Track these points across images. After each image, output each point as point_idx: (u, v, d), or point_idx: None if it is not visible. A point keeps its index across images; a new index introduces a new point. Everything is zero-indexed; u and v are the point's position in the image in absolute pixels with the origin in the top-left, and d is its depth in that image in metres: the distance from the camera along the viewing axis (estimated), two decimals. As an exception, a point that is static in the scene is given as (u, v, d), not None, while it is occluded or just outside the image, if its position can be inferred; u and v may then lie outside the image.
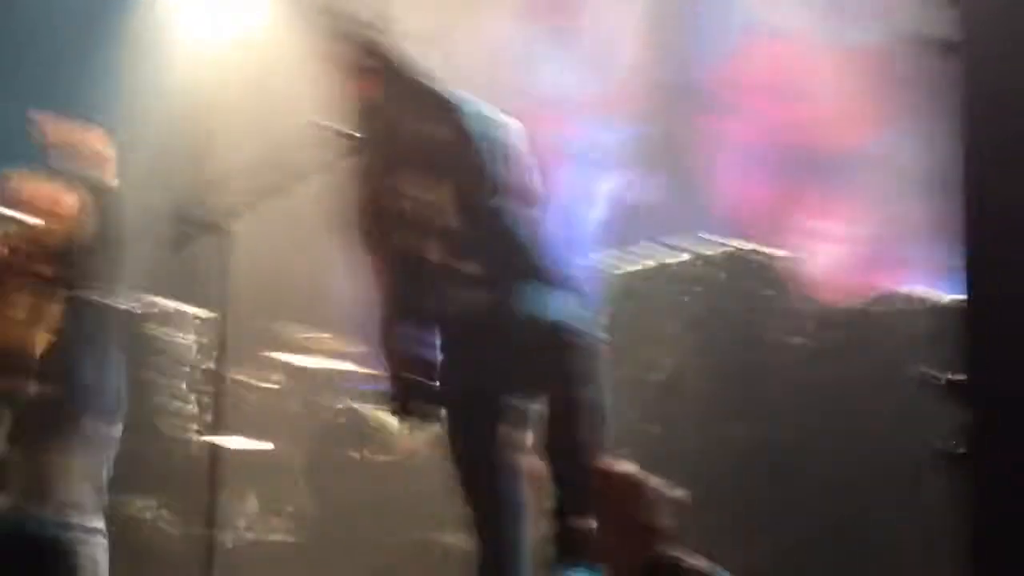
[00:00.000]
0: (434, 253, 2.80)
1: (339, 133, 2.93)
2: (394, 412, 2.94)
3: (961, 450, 1.51)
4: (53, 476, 3.77)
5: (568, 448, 2.67)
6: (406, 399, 2.88)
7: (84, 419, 3.83)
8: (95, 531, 3.85)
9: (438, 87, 2.88)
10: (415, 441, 5.18)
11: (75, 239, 3.82)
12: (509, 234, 2.83)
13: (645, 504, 2.26)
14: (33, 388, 3.73)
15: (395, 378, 2.89)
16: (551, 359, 2.63)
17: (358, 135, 2.90)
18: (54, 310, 3.86)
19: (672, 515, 2.28)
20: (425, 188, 2.83)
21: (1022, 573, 1.37)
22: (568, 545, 2.63)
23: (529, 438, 3.19)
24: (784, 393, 4.14)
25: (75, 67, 6.68)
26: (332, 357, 6.15)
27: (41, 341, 3.81)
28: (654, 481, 2.31)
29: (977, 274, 1.52)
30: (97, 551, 3.84)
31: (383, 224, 2.93)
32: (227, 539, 5.42)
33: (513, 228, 2.84)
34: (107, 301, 3.95)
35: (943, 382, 1.51)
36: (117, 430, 3.96)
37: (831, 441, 3.97)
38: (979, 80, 1.60)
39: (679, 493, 2.34)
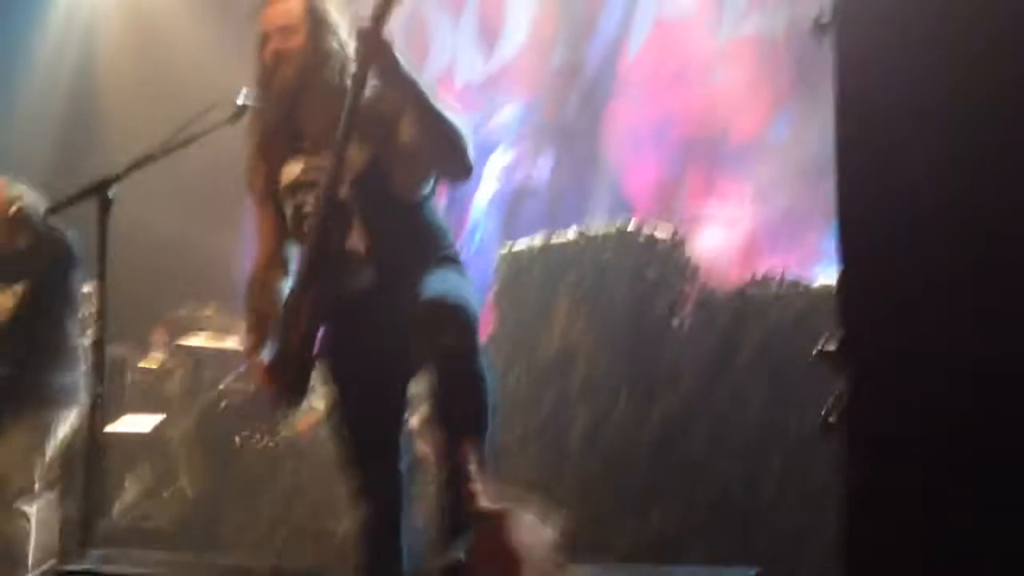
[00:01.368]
0: (323, 227, 2.77)
1: (244, 107, 2.88)
2: (266, 392, 2.90)
3: (833, 418, 1.58)
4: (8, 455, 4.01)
5: (456, 422, 2.68)
6: (278, 374, 2.84)
7: None
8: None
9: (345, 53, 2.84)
10: (300, 423, 5.14)
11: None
12: (398, 211, 2.81)
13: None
14: None
15: (273, 355, 2.85)
16: (435, 335, 2.63)
17: (259, 100, 2.85)
18: None
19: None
20: (322, 157, 2.80)
21: (894, 534, 1.44)
22: (458, 516, 2.65)
23: (418, 415, 3.20)
24: (668, 370, 4.23)
25: None
26: (217, 334, 6.05)
27: None
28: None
29: (849, 253, 1.58)
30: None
31: (275, 189, 2.89)
32: (105, 522, 5.31)
33: (402, 205, 2.83)
34: None
35: (816, 353, 1.57)
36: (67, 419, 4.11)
37: (713, 417, 4.08)
38: (850, 64, 1.65)
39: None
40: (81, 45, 7.41)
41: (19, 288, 4.04)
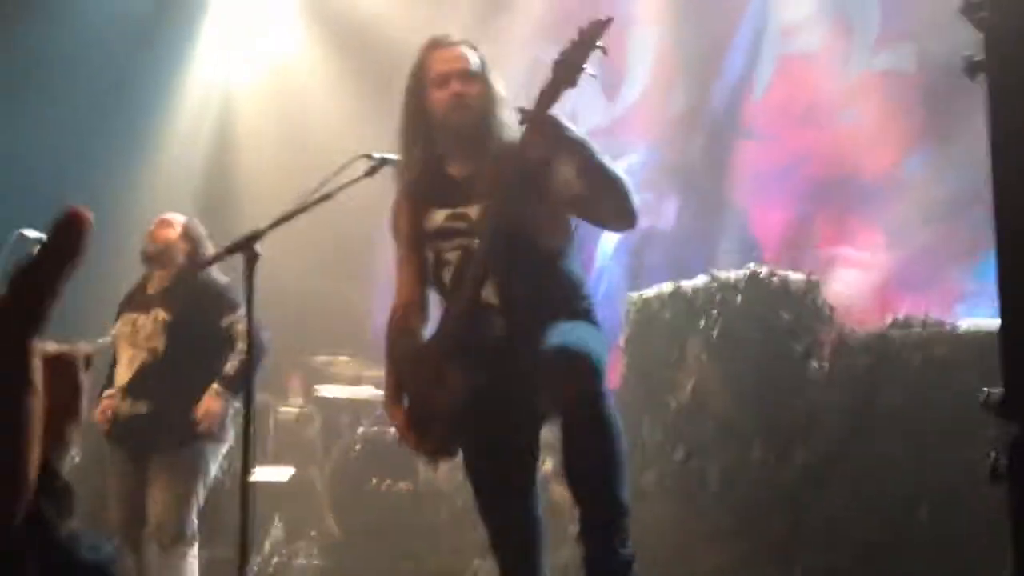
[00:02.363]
0: (463, 279, 2.80)
1: (383, 160, 2.95)
2: (408, 443, 2.93)
3: (1003, 468, 1.51)
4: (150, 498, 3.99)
5: (585, 470, 2.66)
6: (423, 433, 2.87)
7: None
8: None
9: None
10: (434, 469, 5.19)
11: None
12: (537, 263, 2.83)
13: None
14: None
15: (412, 406, 2.89)
16: (560, 384, 2.63)
17: (406, 156, 2.93)
18: None
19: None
20: (466, 206, 2.86)
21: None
22: (596, 561, 2.62)
23: (549, 464, 3.19)
24: (805, 417, 4.12)
25: (119, 93, 6.80)
26: (353, 382, 6.18)
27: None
28: None
29: (1010, 297, 1.52)
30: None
31: (420, 235, 2.94)
32: (254, 563, 5.44)
33: (542, 258, 2.85)
34: None
35: (983, 399, 1.50)
36: (218, 458, 4.17)
37: (852, 464, 3.95)
38: (1005, 101, 1.60)
39: None
40: (221, 108, 7.73)
41: (162, 315, 4.12)
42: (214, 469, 4.17)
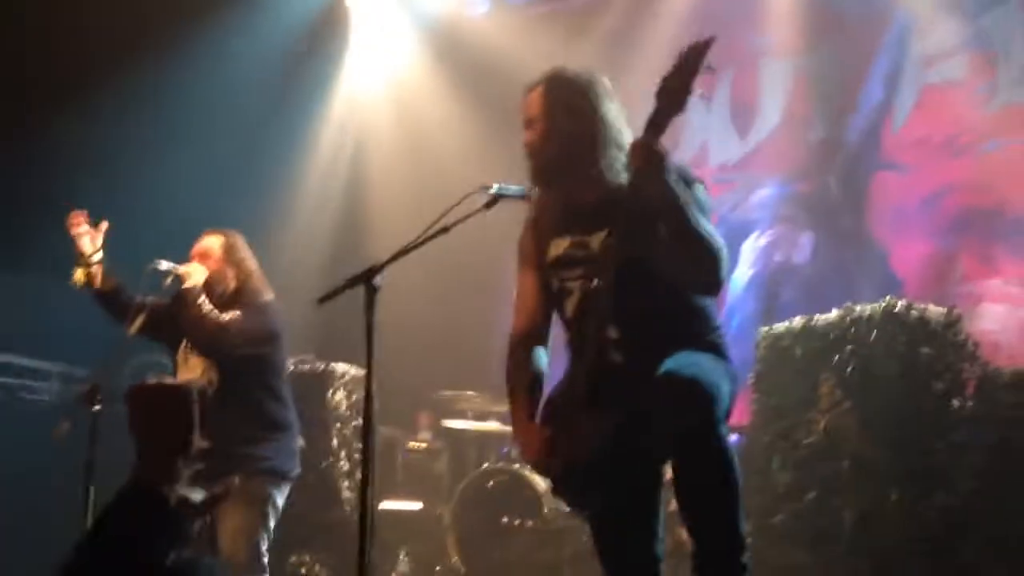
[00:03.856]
0: (588, 320, 2.78)
1: (500, 193, 2.96)
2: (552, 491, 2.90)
3: None
4: (219, 531, 3.93)
5: (702, 502, 2.59)
6: (562, 485, 2.85)
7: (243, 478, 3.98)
8: None
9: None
10: (561, 505, 5.16)
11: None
12: (658, 296, 2.78)
13: None
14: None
15: (545, 454, 2.87)
16: (670, 411, 2.56)
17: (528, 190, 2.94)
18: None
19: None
20: (584, 236, 2.85)
21: None
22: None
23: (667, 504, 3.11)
24: (947, 458, 3.93)
25: (261, 132, 7.12)
26: (479, 416, 6.20)
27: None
28: None
29: None
30: None
31: (543, 264, 2.94)
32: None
33: (663, 291, 2.79)
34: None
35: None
36: (283, 490, 4.10)
37: (995, 508, 3.74)
38: None
39: None
40: (354, 145, 7.94)
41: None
42: (280, 500, 4.07)
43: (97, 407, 3.92)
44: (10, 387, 6.25)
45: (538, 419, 2.87)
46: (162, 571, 1.97)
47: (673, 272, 2.73)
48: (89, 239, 4.14)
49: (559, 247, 2.92)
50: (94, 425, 3.88)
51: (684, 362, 2.62)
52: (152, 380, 3.61)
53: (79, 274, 4.13)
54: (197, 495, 3.63)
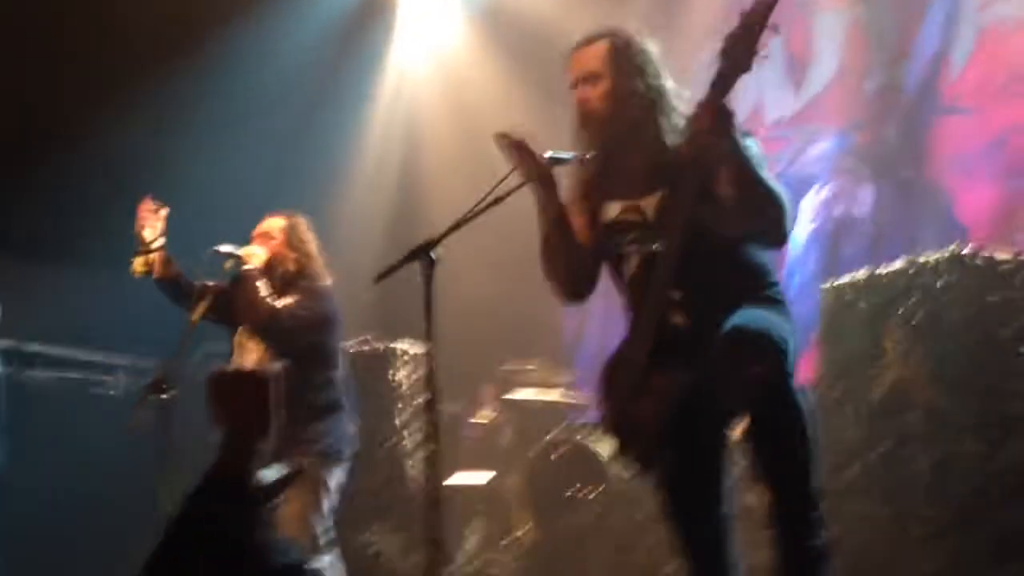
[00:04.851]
0: (648, 284, 2.75)
1: (552, 160, 2.93)
2: (624, 456, 2.89)
3: None
4: (288, 514, 3.96)
5: (775, 457, 2.56)
6: (626, 446, 2.84)
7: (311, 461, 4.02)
8: (331, 564, 4.09)
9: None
10: (628, 470, 5.14)
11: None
12: (716, 254, 2.74)
13: None
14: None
15: (613, 419, 2.86)
16: (737, 366, 2.52)
17: (579, 154, 2.91)
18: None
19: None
20: (638, 199, 2.82)
21: None
22: (789, 559, 2.52)
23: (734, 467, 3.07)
24: (1021, 403, 3.83)
25: (314, 113, 7.20)
26: (542, 387, 6.19)
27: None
28: None
29: None
30: None
31: (599, 227, 2.92)
32: (451, 569, 5.54)
33: (721, 248, 2.75)
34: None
35: None
36: (336, 472, 4.12)
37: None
38: None
39: None
40: (406, 121, 7.96)
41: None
42: (334, 482, 4.09)
43: (166, 396, 3.99)
44: (82, 381, 6.38)
45: (599, 381, 2.87)
46: (250, 552, 2.02)
47: (739, 228, 2.70)
48: (151, 226, 4.21)
49: (612, 211, 2.89)
50: (166, 414, 3.94)
51: (750, 317, 2.59)
52: (230, 366, 3.66)
53: (138, 263, 4.19)
54: (273, 476, 3.70)
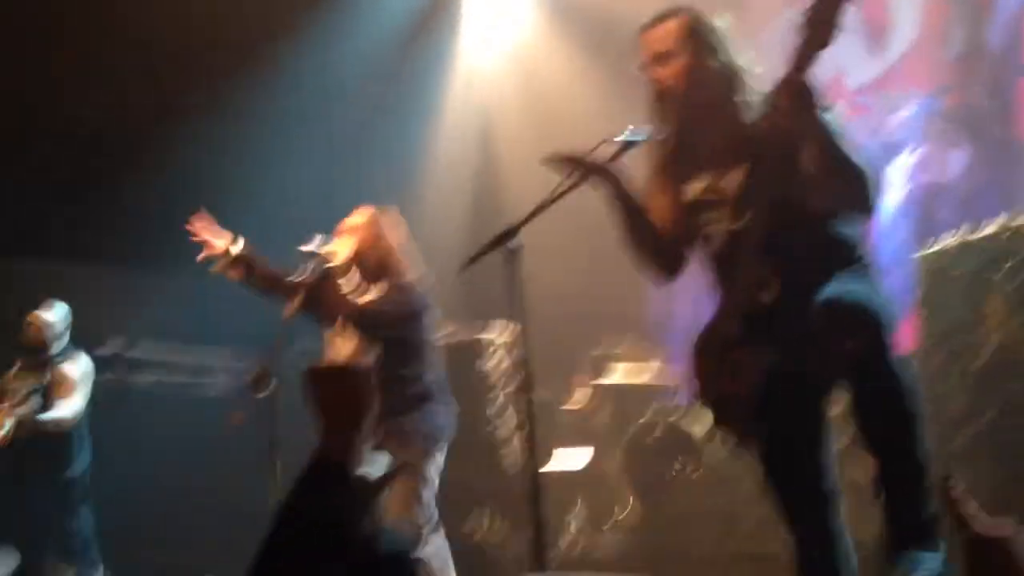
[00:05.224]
0: (737, 261, 2.74)
1: (626, 143, 2.93)
2: (722, 433, 2.88)
3: None
4: (391, 504, 4.02)
5: (881, 426, 2.52)
6: (732, 421, 2.83)
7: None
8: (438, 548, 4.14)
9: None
10: (727, 451, 5.11)
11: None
12: (804, 227, 2.72)
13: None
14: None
15: (706, 396, 2.86)
16: (835, 339, 2.49)
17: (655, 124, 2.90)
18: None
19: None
20: (719, 176, 2.80)
21: None
22: (898, 528, 2.48)
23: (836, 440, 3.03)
24: None
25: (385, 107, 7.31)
26: (634, 368, 6.17)
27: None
28: None
29: None
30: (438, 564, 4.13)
31: (681, 206, 2.91)
32: (555, 553, 5.57)
33: (808, 221, 2.72)
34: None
35: None
36: (429, 462, 4.16)
37: None
38: None
39: None
40: (480, 109, 7.99)
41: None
42: (429, 471, 4.11)
43: (266, 392, 4.06)
44: (184, 384, 6.55)
45: (690, 358, 2.87)
46: (357, 540, 2.06)
47: (825, 203, 2.67)
48: (213, 237, 4.26)
49: (694, 189, 2.88)
50: (273, 408, 4.02)
51: (844, 288, 2.57)
52: (326, 361, 3.73)
53: (219, 268, 4.26)
54: (376, 470, 3.77)
